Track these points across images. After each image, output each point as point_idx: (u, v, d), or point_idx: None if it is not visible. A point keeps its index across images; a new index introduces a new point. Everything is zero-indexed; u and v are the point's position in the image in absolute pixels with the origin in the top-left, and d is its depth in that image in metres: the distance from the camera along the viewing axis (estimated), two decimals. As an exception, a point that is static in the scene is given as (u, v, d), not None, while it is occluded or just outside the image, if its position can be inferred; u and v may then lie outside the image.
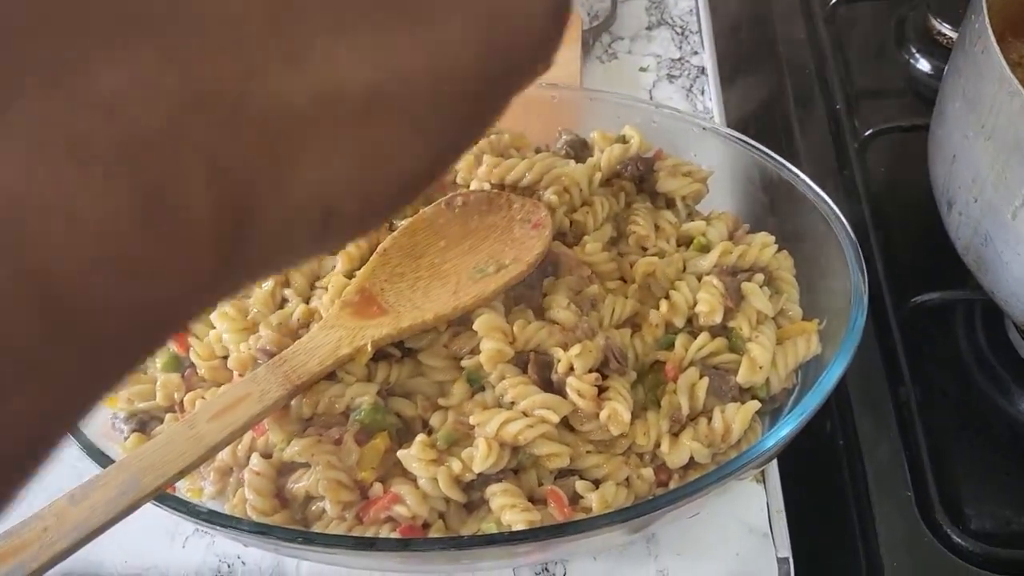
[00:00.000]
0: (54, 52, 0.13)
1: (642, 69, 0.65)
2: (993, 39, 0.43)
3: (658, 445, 0.43)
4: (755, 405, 0.43)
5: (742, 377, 0.44)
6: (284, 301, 0.47)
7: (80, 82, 0.13)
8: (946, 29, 0.67)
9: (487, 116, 0.18)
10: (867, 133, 0.63)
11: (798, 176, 0.47)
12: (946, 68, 0.52)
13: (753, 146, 0.49)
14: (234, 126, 0.15)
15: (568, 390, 0.42)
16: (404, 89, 0.16)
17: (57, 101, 0.13)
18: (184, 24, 0.14)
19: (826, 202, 0.46)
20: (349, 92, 0.15)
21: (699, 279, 0.47)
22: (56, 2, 0.14)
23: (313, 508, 0.42)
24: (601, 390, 0.42)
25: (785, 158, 0.51)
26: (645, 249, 0.48)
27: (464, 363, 0.43)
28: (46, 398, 0.14)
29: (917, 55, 0.68)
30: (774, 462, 0.47)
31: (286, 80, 0.15)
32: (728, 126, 0.63)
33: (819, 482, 0.51)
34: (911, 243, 0.58)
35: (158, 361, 0.47)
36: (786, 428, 0.40)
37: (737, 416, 0.43)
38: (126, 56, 0.14)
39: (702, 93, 0.63)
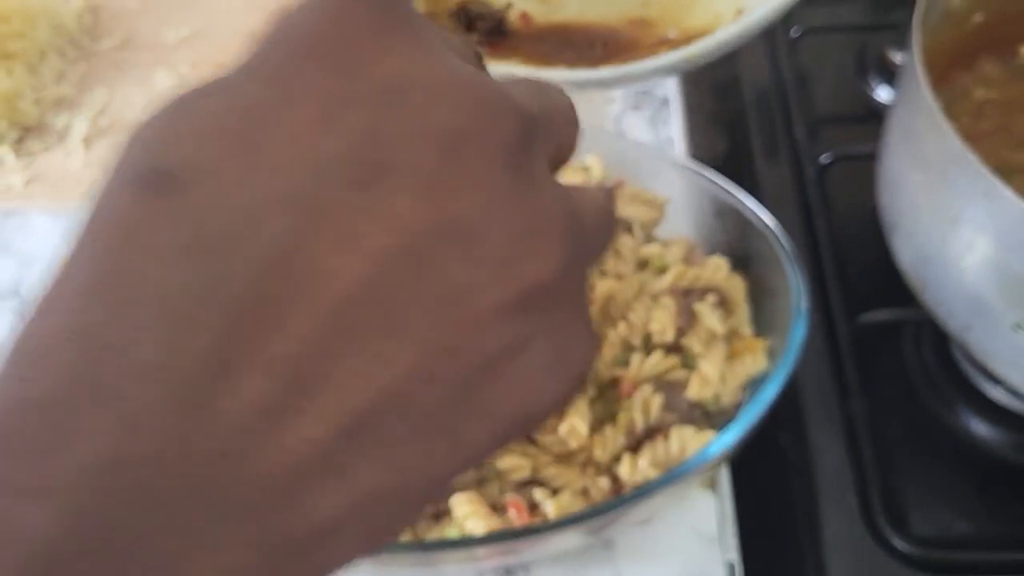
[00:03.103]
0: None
1: (609, 100, 0.69)
2: (922, 74, 0.46)
3: (617, 459, 0.46)
4: (710, 435, 0.46)
5: (692, 392, 0.47)
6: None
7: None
8: (900, 60, 0.70)
9: None
10: (827, 160, 0.66)
11: (743, 202, 0.50)
12: (893, 99, 0.55)
13: (703, 174, 0.52)
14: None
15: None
16: (434, 481, 0.21)
17: None
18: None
19: (768, 226, 0.49)
20: (404, 490, 0.20)
21: (655, 299, 0.50)
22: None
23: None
24: (560, 405, 0.45)
25: (746, 185, 0.54)
26: (604, 272, 0.51)
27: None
28: None
29: (876, 85, 0.71)
30: (726, 471, 0.50)
31: (331, 494, 0.19)
32: (691, 154, 0.66)
33: (772, 491, 0.53)
34: (865, 265, 0.61)
35: None
36: (728, 437, 0.43)
37: (692, 441, 0.45)
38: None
39: (665, 123, 0.66)
